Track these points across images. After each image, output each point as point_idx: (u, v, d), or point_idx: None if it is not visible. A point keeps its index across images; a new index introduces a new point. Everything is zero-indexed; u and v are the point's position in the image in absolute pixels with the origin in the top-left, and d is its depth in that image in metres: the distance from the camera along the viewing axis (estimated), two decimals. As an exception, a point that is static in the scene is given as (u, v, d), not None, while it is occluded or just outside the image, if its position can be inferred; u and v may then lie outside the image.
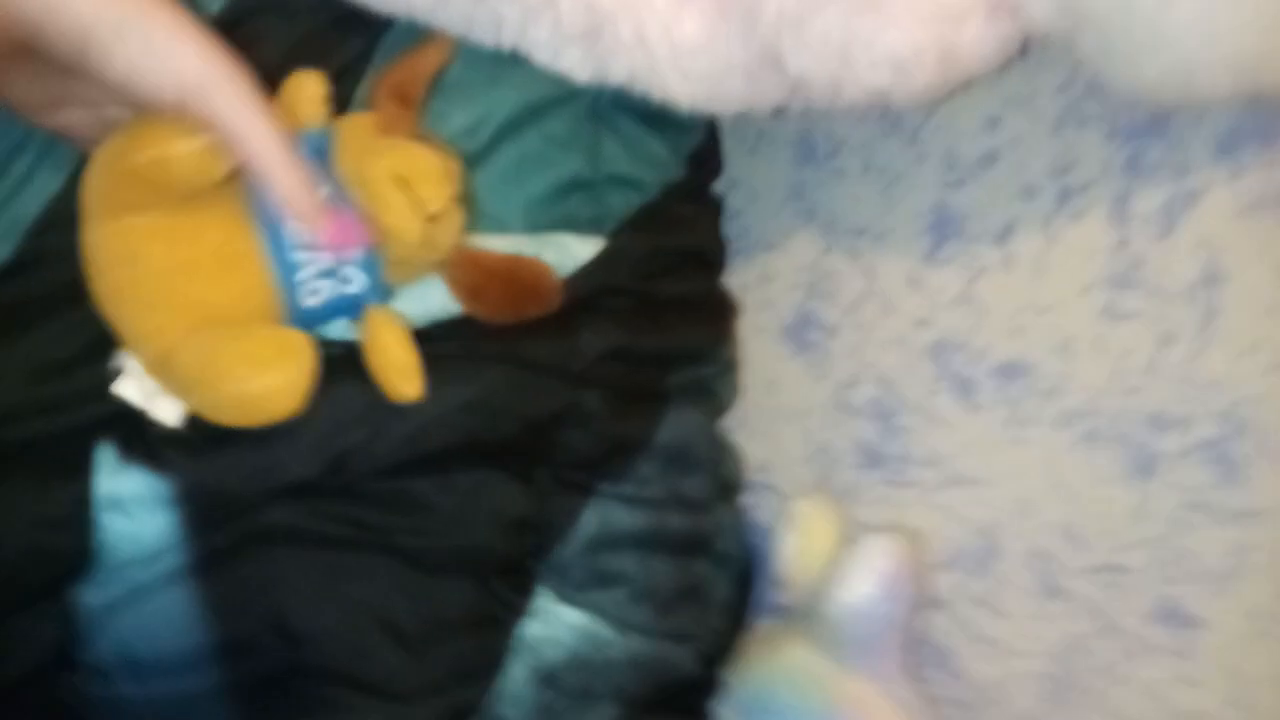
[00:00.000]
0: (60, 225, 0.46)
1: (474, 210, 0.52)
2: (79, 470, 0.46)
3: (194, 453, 0.47)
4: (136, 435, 0.47)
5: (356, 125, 0.48)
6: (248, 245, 0.45)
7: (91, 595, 0.47)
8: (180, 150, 0.41)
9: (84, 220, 0.44)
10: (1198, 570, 0.50)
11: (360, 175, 0.46)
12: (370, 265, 0.47)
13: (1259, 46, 0.45)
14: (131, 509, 0.46)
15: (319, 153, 0.46)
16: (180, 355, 0.44)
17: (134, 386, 0.46)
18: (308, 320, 0.47)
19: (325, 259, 0.45)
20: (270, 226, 0.45)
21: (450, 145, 0.50)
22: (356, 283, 0.47)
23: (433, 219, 0.46)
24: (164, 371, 0.45)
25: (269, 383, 0.44)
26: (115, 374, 0.46)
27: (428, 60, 0.50)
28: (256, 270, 0.45)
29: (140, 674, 0.48)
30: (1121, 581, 0.53)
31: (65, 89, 0.42)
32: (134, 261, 0.44)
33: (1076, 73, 0.54)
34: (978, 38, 0.48)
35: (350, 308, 0.48)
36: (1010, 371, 0.57)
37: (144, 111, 0.42)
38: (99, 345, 0.46)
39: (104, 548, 0.46)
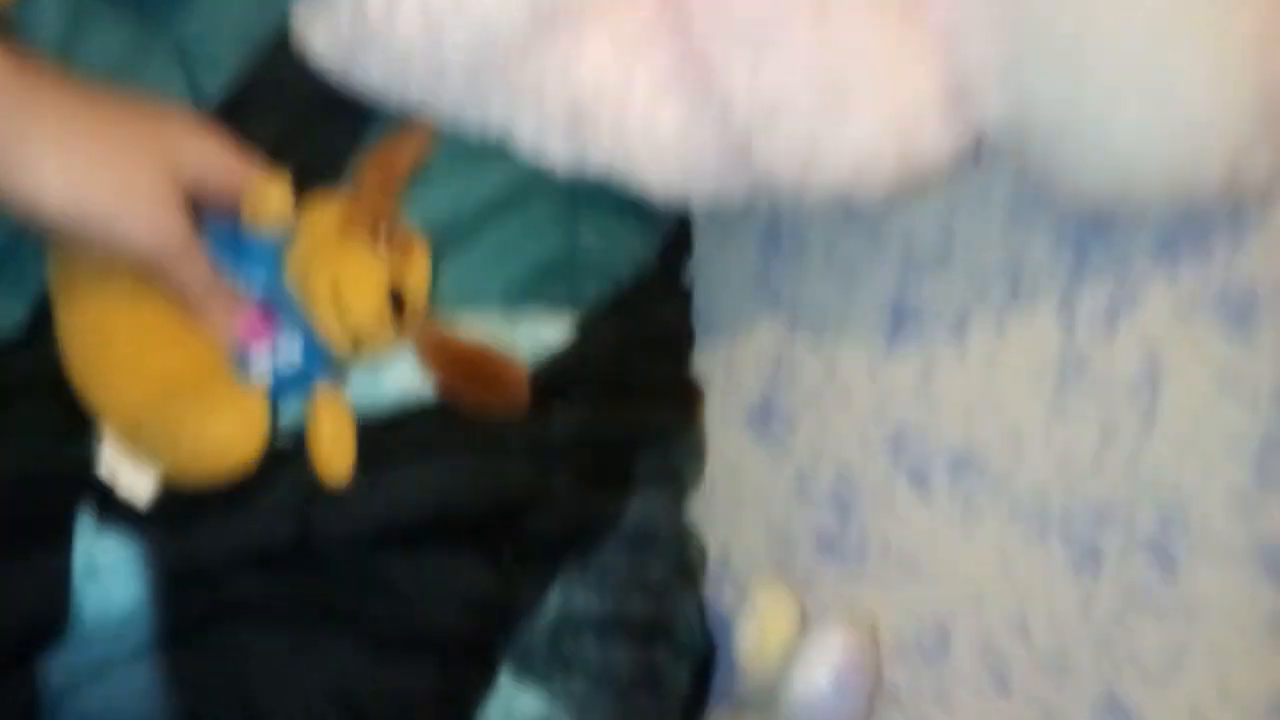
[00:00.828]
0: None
1: (448, 288, 0.53)
2: (61, 538, 0.47)
3: (165, 518, 0.48)
4: (113, 502, 0.48)
5: (320, 218, 0.50)
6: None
7: (59, 669, 0.48)
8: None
9: (54, 299, 0.46)
10: (1140, 665, 0.50)
11: (302, 283, 0.48)
12: (313, 347, 0.49)
13: (1193, 151, 0.47)
14: (104, 577, 0.47)
15: (275, 254, 0.48)
16: (145, 425, 0.46)
17: (106, 465, 0.47)
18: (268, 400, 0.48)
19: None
20: None
21: (428, 226, 0.52)
22: (293, 360, 0.49)
23: (359, 335, 0.48)
24: (134, 440, 0.46)
25: (219, 433, 0.46)
26: (98, 452, 0.48)
27: (412, 144, 0.52)
28: (210, 341, 0.48)
29: None
30: (1067, 676, 0.53)
31: None
32: (99, 341, 0.46)
33: (1025, 175, 0.56)
34: (934, 136, 0.51)
35: (298, 384, 0.49)
36: (963, 463, 0.58)
37: None
38: (87, 419, 0.47)
39: (78, 617, 0.47)
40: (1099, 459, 0.53)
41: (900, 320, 0.62)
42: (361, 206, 0.49)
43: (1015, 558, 0.55)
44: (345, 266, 0.47)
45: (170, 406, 0.46)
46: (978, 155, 0.54)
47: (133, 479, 0.48)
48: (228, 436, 0.46)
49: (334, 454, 0.49)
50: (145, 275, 0.46)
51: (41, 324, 0.48)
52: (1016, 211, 0.57)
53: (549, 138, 0.52)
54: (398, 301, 0.48)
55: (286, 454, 0.49)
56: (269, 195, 0.48)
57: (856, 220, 0.64)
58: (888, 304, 0.62)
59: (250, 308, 0.48)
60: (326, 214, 0.50)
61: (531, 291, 0.57)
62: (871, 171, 0.50)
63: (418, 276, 0.50)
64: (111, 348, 0.46)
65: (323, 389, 0.49)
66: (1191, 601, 0.49)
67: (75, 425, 0.48)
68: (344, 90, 0.51)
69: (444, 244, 0.53)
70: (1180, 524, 0.49)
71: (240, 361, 0.48)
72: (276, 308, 0.49)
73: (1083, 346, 0.54)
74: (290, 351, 0.48)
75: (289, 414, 0.50)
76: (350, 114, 0.53)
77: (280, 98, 0.52)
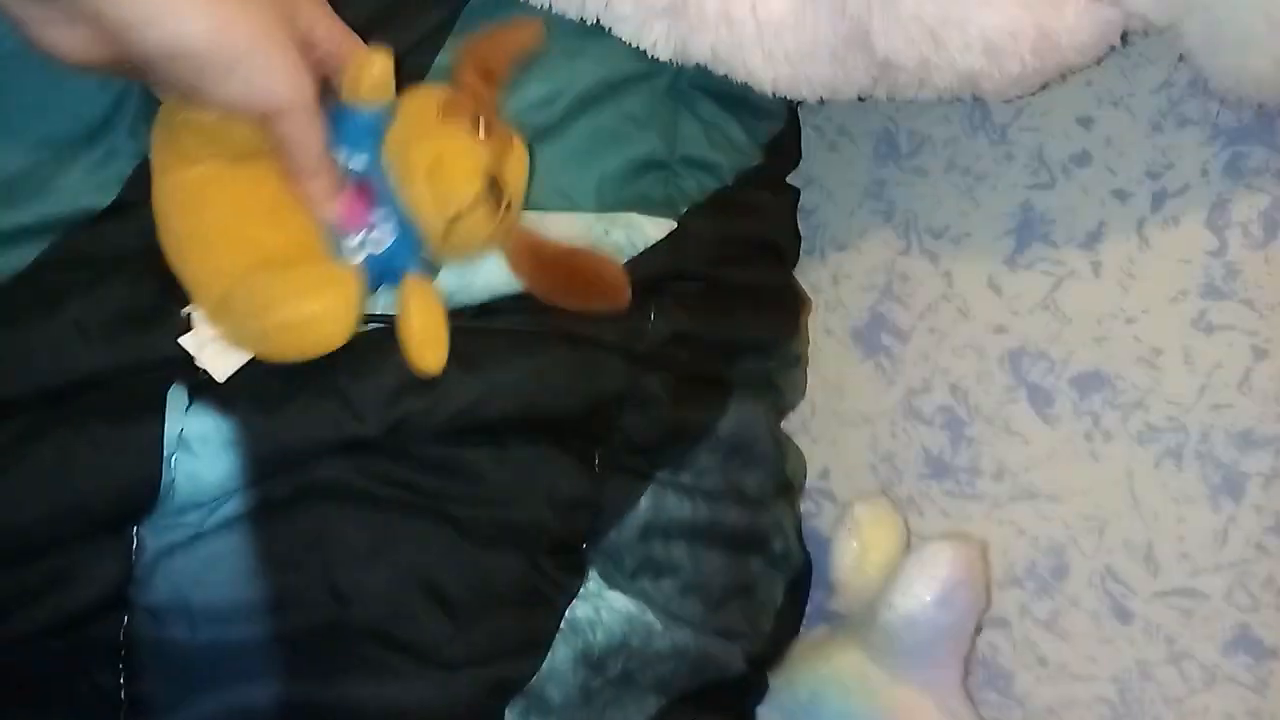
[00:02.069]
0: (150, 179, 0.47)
1: (543, 185, 0.51)
2: (153, 410, 0.46)
3: (259, 399, 0.47)
4: (206, 378, 0.47)
5: (420, 103, 0.48)
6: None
7: (152, 536, 0.48)
8: (236, 118, 0.44)
9: (154, 174, 0.46)
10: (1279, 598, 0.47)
11: (402, 158, 0.47)
12: (406, 232, 0.47)
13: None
14: (197, 449, 0.47)
15: (373, 131, 0.47)
16: (236, 293, 0.45)
17: (193, 339, 0.47)
18: None
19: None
20: None
21: (523, 119, 0.50)
22: (385, 246, 0.48)
23: (457, 218, 0.46)
24: (224, 313, 0.46)
25: (313, 308, 0.45)
26: (185, 325, 0.47)
27: (517, 38, 0.50)
28: (307, 220, 0.46)
29: (192, 619, 0.48)
30: (1197, 608, 0.50)
31: None
32: (197, 208, 0.45)
33: (1177, 70, 0.52)
34: (1077, 23, 0.47)
35: (390, 270, 0.48)
36: (1091, 383, 0.55)
37: None
38: (179, 292, 0.47)
39: (170, 486, 0.47)
40: (1247, 379, 0.49)
41: (1027, 230, 0.58)
42: (463, 95, 0.48)
43: (1145, 482, 0.52)
44: (447, 145, 0.46)
45: (263, 278, 0.45)
46: (1124, 42, 0.49)
47: (216, 353, 0.47)
48: (320, 312, 0.45)
49: (425, 343, 0.48)
50: (264, 131, 0.44)
51: (132, 199, 0.48)
52: (1166, 108, 0.53)
53: (649, 25, 0.50)
54: (495, 191, 0.46)
55: (379, 342, 0.48)
56: (373, 66, 0.46)
57: (983, 123, 0.60)
58: (1014, 212, 0.59)
59: (349, 187, 0.47)
60: (427, 99, 0.48)
61: (628, 189, 0.55)
62: (1004, 57, 0.46)
63: (516, 171, 0.48)
64: (209, 216, 0.45)
65: (413, 278, 0.48)
66: (1346, 531, 0.46)
67: (167, 299, 0.47)
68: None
69: (535, 139, 0.51)
70: (1339, 448, 0.46)
71: (335, 241, 0.47)
72: (373, 190, 0.47)
73: (1235, 258, 0.50)
74: (384, 235, 0.47)
75: (380, 302, 0.49)
76: None
77: None
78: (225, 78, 0.41)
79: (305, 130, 0.44)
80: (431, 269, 0.49)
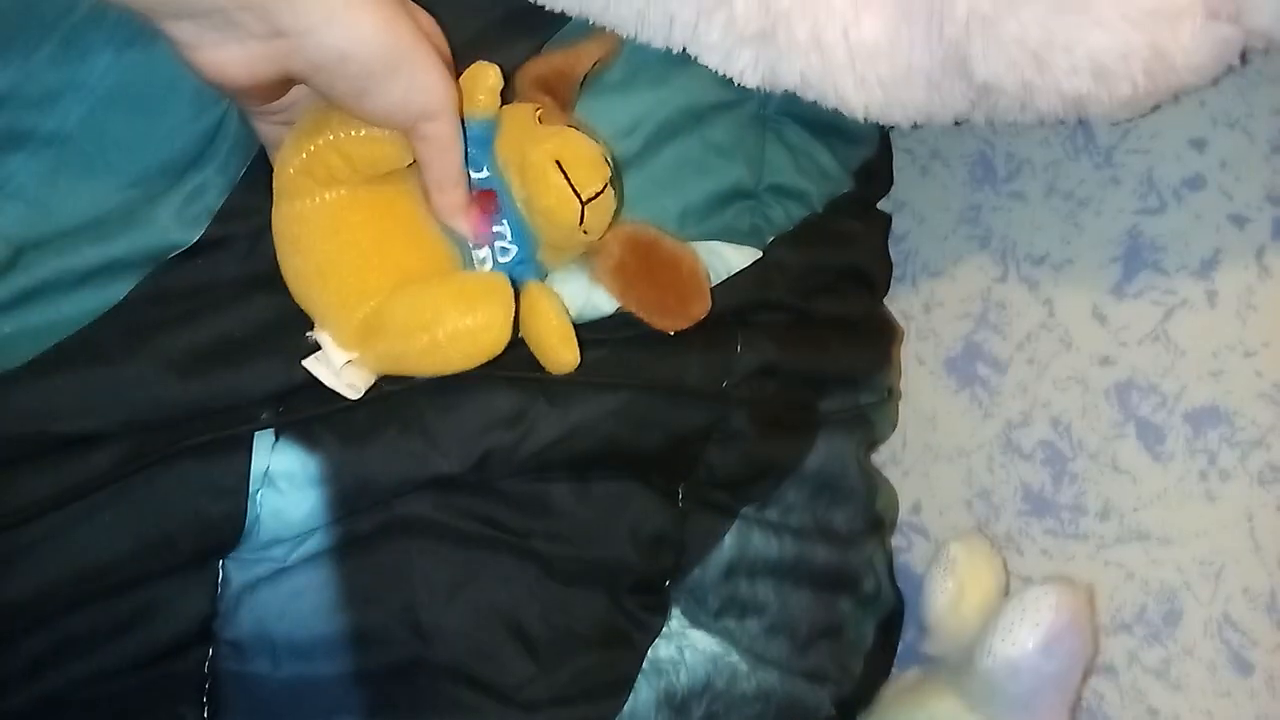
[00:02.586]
0: (240, 214, 0.48)
1: (625, 212, 0.51)
2: (241, 445, 0.47)
3: (344, 436, 0.48)
4: (294, 415, 0.48)
5: (519, 113, 0.49)
6: (429, 217, 0.47)
7: (237, 570, 0.48)
8: (384, 135, 0.45)
9: (279, 200, 0.46)
10: None
11: (521, 159, 0.47)
12: (524, 239, 0.48)
13: None
14: (282, 486, 0.47)
15: (482, 140, 0.47)
16: (392, 308, 0.46)
17: (316, 361, 0.47)
18: None
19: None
20: None
21: (605, 143, 0.49)
22: (513, 252, 0.48)
23: (589, 203, 0.46)
24: (374, 332, 0.47)
25: (481, 318, 0.46)
26: (310, 349, 0.47)
27: (580, 57, 0.50)
28: (439, 239, 0.47)
29: (275, 653, 0.48)
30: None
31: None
32: (338, 231, 0.46)
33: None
34: (1193, 43, 0.44)
35: (514, 277, 0.48)
36: (1207, 418, 0.52)
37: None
38: (271, 327, 0.47)
39: (255, 522, 0.47)
40: (1381, 417, 0.46)
41: (1135, 257, 0.55)
42: (552, 102, 0.48)
43: (1266, 525, 0.49)
44: (564, 143, 0.46)
45: (425, 293, 0.46)
46: (1243, 61, 0.46)
47: (346, 374, 0.47)
48: (487, 321, 0.46)
49: (563, 341, 0.48)
50: (412, 140, 0.45)
51: (221, 234, 0.48)
52: (1286, 134, 0.50)
53: (737, 52, 0.49)
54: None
55: (464, 379, 0.48)
56: (488, 77, 0.47)
57: (1086, 146, 0.57)
58: (1121, 239, 0.56)
59: (473, 200, 0.48)
60: (523, 110, 0.49)
61: (712, 219, 0.54)
62: (1115, 79, 0.44)
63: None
64: (350, 238, 0.46)
65: (534, 284, 0.49)
66: None
67: (259, 334, 0.48)
68: (528, 2, 0.49)
69: (620, 164, 0.50)
70: None
71: (466, 256, 0.48)
72: (493, 201, 0.48)
73: (1366, 287, 0.47)
74: (509, 244, 0.48)
75: None
76: (537, 22, 0.51)
77: (471, 4, 0.50)
78: (391, 78, 0.42)
79: (453, 136, 0.45)
80: (542, 276, 0.50)
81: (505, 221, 0.48)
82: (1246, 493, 0.50)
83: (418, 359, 0.46)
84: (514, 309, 0.46)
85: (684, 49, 0.50)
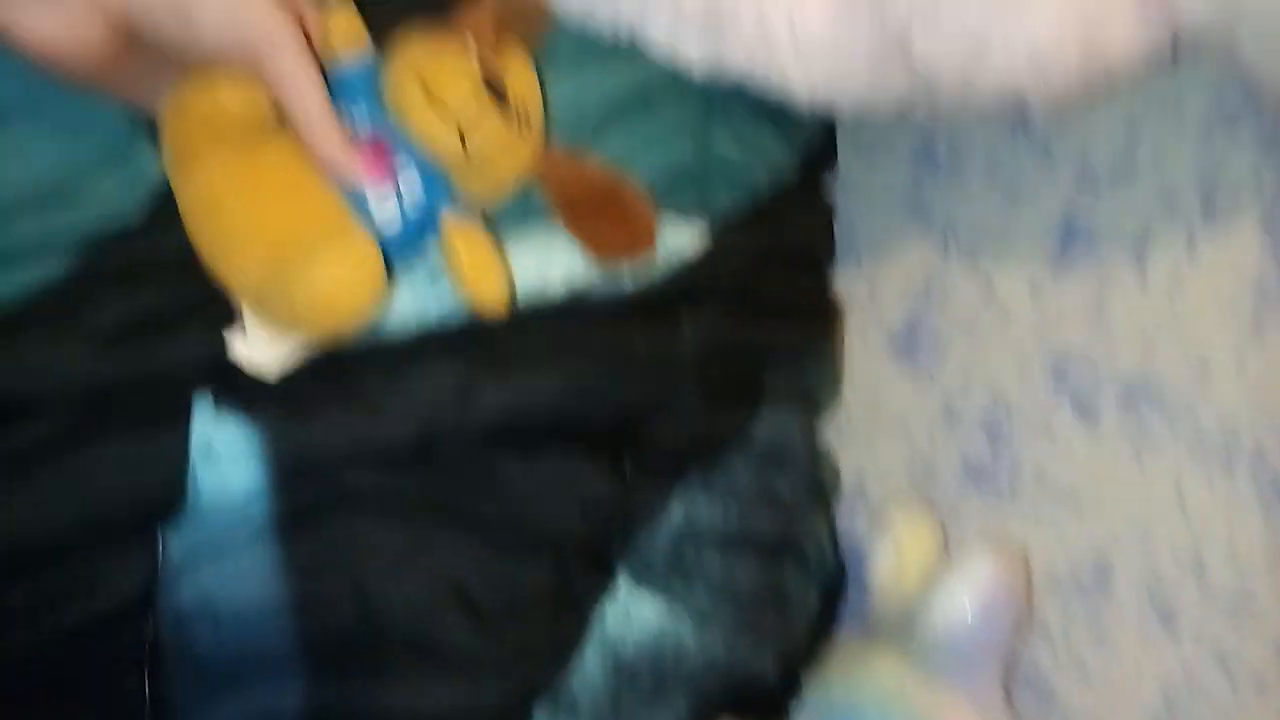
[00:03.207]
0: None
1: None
2: (180, 418, 0.47)
3: (286, 407, 0.47)
4: (233, 386, 0.47)
5: (409, 49, 0.46)
6: (316, 175, 0.45)
7: (178, 541, 0.48)
8: (232, 95, 0.44)
9: (172, 184, 0.45)
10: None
11: (395, 94, 0.45)
12: (433, 183, 0.46)
13: None
14: (222, 460, 0.47)
15: (367, 85, 0.46)
16: (265, 279, 0.44)
17: (240, 342, 0.47)
18: (400, 246, 0.47)
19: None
20: None
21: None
22: (417, 193, 0.46)
23: (469, 125, 0.44)
24: (259, 303, 0.45)
25: (328, 274, 0.43)
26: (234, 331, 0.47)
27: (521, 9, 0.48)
28: (329, 193, 0.45)
29: (217, 623, 0.48)
30: (1246, 618, 0.49)
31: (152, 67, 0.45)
32: (217, 205, 0.44)
33: (1228, 74, 0.51)
34: (1126, 33, 0.46)
35: (426, 222, 0.46)
36: (1138, 393, 0.54)
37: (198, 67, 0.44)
38: (208, 300, 0.47)
39: (196, 494, 0.47)
40: (1300, 388, 0.49)
41: (1070, 240, 0.58)
42: (452, 34, 0.46)
43: (1193, 492, 0.52)
44: (428, 64, 0.44)
45: (283, 260, 0.44)
46: (1174, 54, 0.49)
47: (264, 349, 0.47)
48: (336, 280, 0.43)
49: (482, 279, 0.46)
50: (262, 80, 0.43)
51: (162, 212, 0.48)
52: (1215, 120, 0.52)
53: (683, 36, 0.49)
54: (502, 99, 0.45)
55: (409, 351, 0.48)
56: (338, 18, 0.46)
57: (1024, 132, 0.60)
58: (1057, 223, 0.58)
59: (363, 146, 0.45)
60: (416, 44, 0.46)
61: (660, 200, 0.55)
62: (1050, 69, 0.46)
63: (521, 78, 0.46)
64: (229, 209, 0.44)
65: (452, 218, 0.47)
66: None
67: (194, 307, 0.48)
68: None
69: (546, 78, 0.49)
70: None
71: (363, 205, 0.45)
72: (385, 142, 0.46)
73: (1288, 264, 0.50)
74: (411, 187, 0.46)
75: (423, 263, 0.48)
76: None
77: None
78: (203, 6, 0.40)
79: (300, 71, 0.43)
80: (472, 213, 0.48)
81: (401, 160, 0.45)
82: (1174, 460, 0.53)
83: (294, 331, 0.45)
84: (373, 263, 0.44)
85: (632, 32, 0.50)
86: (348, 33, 0.46)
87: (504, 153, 0.47)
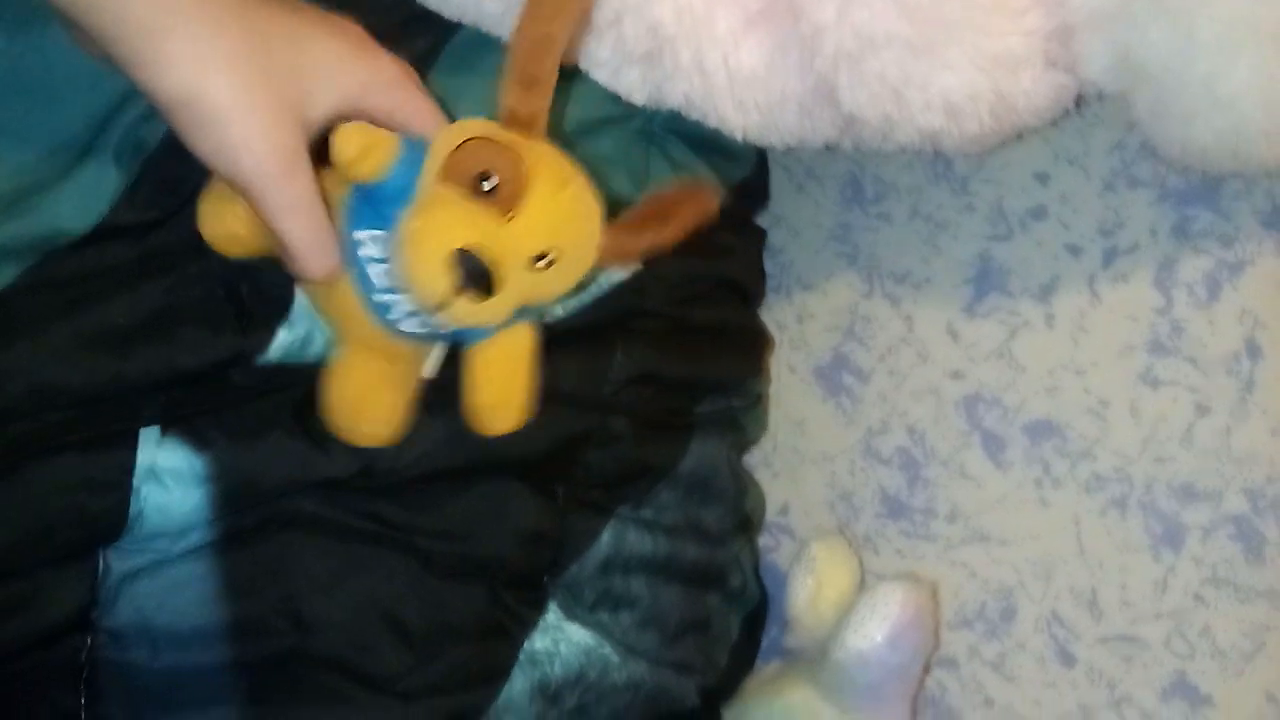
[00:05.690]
0: (133, 206, 0.47)
1: None
2: (126, 441, 0.47)
3: (232, 434, 0.48)
4: (181, 412, 0.48)
5: (436, 154, 0.42)
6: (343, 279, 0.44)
7: (118, 560, 0.48)
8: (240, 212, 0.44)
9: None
10: (1216, 648, 0.48)
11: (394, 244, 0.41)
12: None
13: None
14: (168, 482, 0.47)
15: (392, 198, 0.42)
16: None
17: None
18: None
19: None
20: (358, 266, 0.44)
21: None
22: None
23: (440, 309, 0.40)
24: None
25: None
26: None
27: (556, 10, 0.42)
28: (351, 300, 0.44)
29: (154, 643, 0.49)
30: (1137, 654, 0.51)
31: None
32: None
33: (1129, 133, 0.53)
34: (1033, 88, 0.48)
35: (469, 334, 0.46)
36: (1042, 431, 0.56)
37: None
38: (158, 317, 0.47)
39: (138, 516, 0.47)
40: (1190, 433, 0.51)
41: (985, 279, 0.59)
42: (475, 146, 0.41)
43: (1091, 530, 0.53)
44: (415, 217, 0.40)
45: None
46: (1078, 107, 0.51)
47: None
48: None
49: (484, 409, 0.47)
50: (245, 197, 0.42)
51: (117, 225, 0.48)
52: (1118, 170, 0.54)
53: (625, 70, 0.51)
54: (477, 269, 0.39)
55: None
56: (346, 147, 0.40)
57: (945, 174, 0.61)
58: (973, 262, 0.60)
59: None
60: (446, 144, 0.42)
61: None
62: (964, 117, 0.48)
63: (523, 242, 0.41)
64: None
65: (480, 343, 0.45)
66: (1275, 584, 0.47)
67: (147, 324, 0.47)
68: (424, 6, 0.50)
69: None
70: (1270, 505, 0.47)
71: (383, 309, 0.44)
72: None
73: (1180, 315, 0.51)
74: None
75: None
76: (429, 29, 0.51)
77: (359, 6, 0.51)
78: (199, 130, 0.39)
79: (277, 209, 0.41)
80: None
81: None
82: (1074, 499, 0.54)
83: None
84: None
85: (575, 64, 0.52)
86: (353, 160, 0.41)
87: (477, 317, 0.41)
